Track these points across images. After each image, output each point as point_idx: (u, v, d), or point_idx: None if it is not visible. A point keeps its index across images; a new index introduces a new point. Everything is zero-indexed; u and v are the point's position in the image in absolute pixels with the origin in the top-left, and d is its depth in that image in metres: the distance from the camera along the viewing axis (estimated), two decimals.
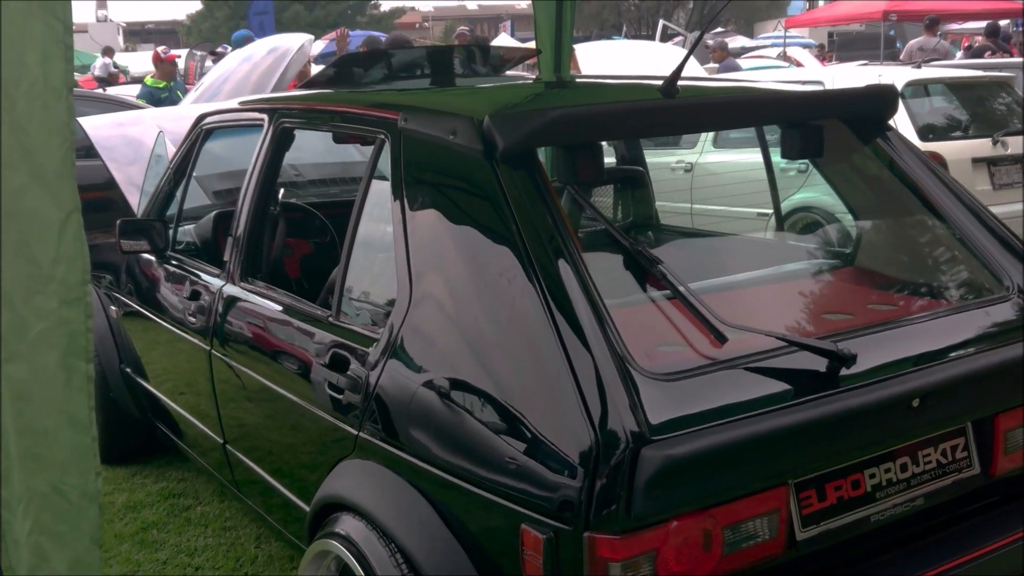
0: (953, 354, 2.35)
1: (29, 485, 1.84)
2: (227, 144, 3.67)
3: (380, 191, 2.59)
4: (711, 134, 7.59)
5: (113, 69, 17.32)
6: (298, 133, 3.15)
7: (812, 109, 2.76)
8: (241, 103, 3.59)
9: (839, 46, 22.57)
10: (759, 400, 2.07)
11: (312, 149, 4.08)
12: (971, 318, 2.49)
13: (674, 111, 2.50)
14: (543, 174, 2.29)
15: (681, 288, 2.24)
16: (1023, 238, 2.76)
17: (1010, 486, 2.52)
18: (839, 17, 19.46)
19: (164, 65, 10.13)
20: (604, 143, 2.77)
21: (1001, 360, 2.39)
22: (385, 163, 2.57)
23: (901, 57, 13.25)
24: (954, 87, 7.03)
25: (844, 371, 2.14)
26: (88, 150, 5.89)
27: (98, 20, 56.71)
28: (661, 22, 20.20)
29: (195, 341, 3.36)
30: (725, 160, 7.35)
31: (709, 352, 2.15)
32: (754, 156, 6.43)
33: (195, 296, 3.39)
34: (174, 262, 3.68)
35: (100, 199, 6.03)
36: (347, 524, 2.36)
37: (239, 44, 9.39)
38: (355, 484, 2.41)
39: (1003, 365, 2.39)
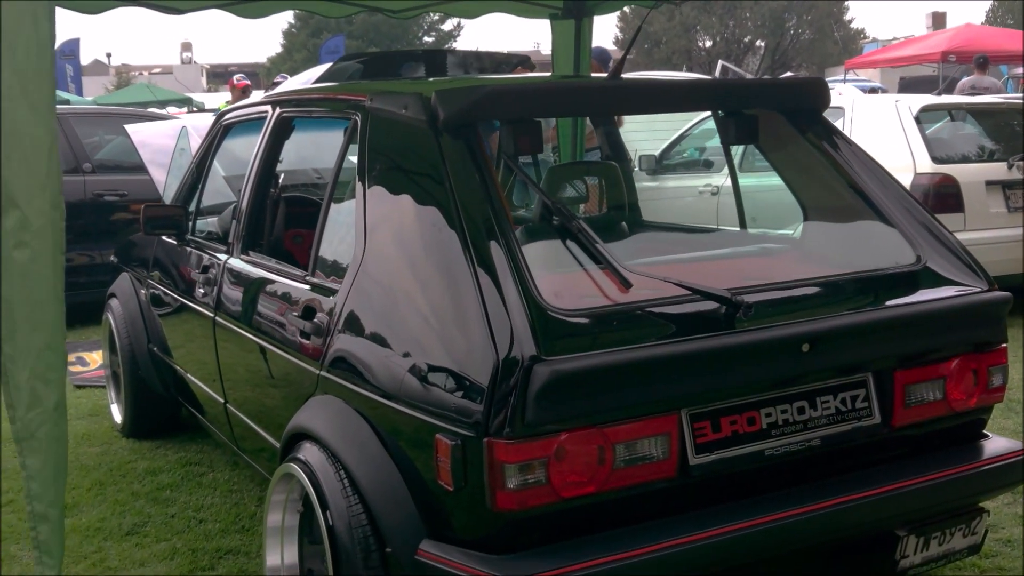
0: (847, 309, 2.59)
1: (29, 342, 2.29)
2: (245, 136, 4.04)
3: (351, 163, 2.93)
4: (736, 160, 7.84)
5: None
6: (296, 121, 3.51)
7: (744, 98, 3.03)
8: (256, 100, 3.97)
9: (903, 87, 22.57)
10: (653, 335, 2.34)
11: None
12: (875, 282, 2.72)
13: (603, 91, 2.80)
14: (480, 144, 2.61)
15: (597, 243, 2.53)
16: None
17: (920, 441, 2.74)
18: (898, 58, 19.53)
19: (236, 91, 11.06)
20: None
21: (895, 318, 2.63)
22: (355, 139, 2.91)
23: (954, 94, 13.33)
24: (972, 112, 7.19)
25: (739, 316, 2.39)
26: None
27: (183, 62, 58.87)
28: (720, 62, 20.43)
29: (203, 311, 3.72)
30: (750, 183, 7.58)
31: (614, 295, 2.43)
32: (777, 180, 6.71)
33: (205, 271, 3.76)
34: (192, 245, 4.07)
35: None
36: (305, 450, 2.67)
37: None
38: (313, 415, 2.73)
39: (898, 323, 2.62)
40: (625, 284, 2.43)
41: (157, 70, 55.86)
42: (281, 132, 3.53)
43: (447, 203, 2.47)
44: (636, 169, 8.60)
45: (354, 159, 2.91)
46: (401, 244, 2.58)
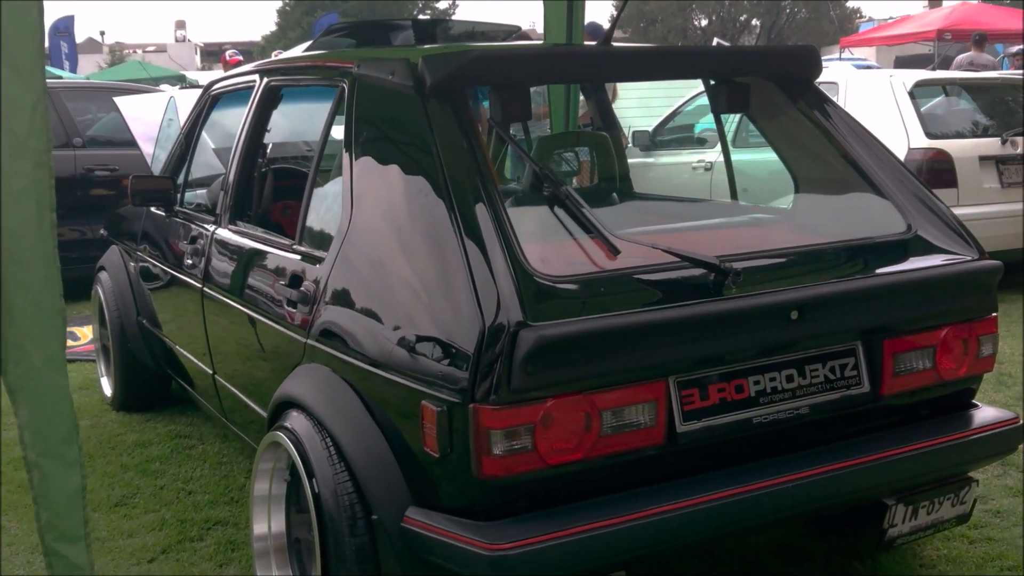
0: (836, 277, 2.57)
1: (13, 301, 2.29)
2: (234, 106, 4.01)
3: (338, 131, 2.90)
4: (730, 136, 7.81)
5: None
6: (284, 90, 3.48)
7: (734, 65, 3.00)
8: (244, 70, 3.94)
9: (899, 66, 22.48)
10: (640, 301, 2.33)
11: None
12: (865, 250, 2.70)
13: (593, 58, 2.77)
14: (468, 110, 2.59)
15: (585, 210, 2.50)
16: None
17: (909, 410, 2.72)
18: (894, 37, 19.46)
19: (229, 67, 11.02)
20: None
21: (885, 286, 2.61)
22: (342, 106, 2.88)
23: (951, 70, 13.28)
24: (966, 88, 7.16)
25: (727, 284, 2.37)
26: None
27: (177, 40, 58.46)
28: (716, 40, 20.34)
29: (191, 283, 3.69)
30: (743, 159, 7.56)
31: (602, 262, 2.42)
32: (771, 155, 6.64)
33: (193, 242, 3.73)
34: (181, 217, 4.04)
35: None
36: (292, 418, 2.65)
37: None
38: (299, 383, 2.71)
39: (887, 291, 2.61)
40: (613, 251, 2.41)
41: (151, 48, 55.48)
42: (269, 101, 3.50)
43: (433, 170, 2.44)
44: (630, 145, 8.57)
45: (339, 127, 2.88)
46: (387, 212, 2.56)
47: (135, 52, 50.76)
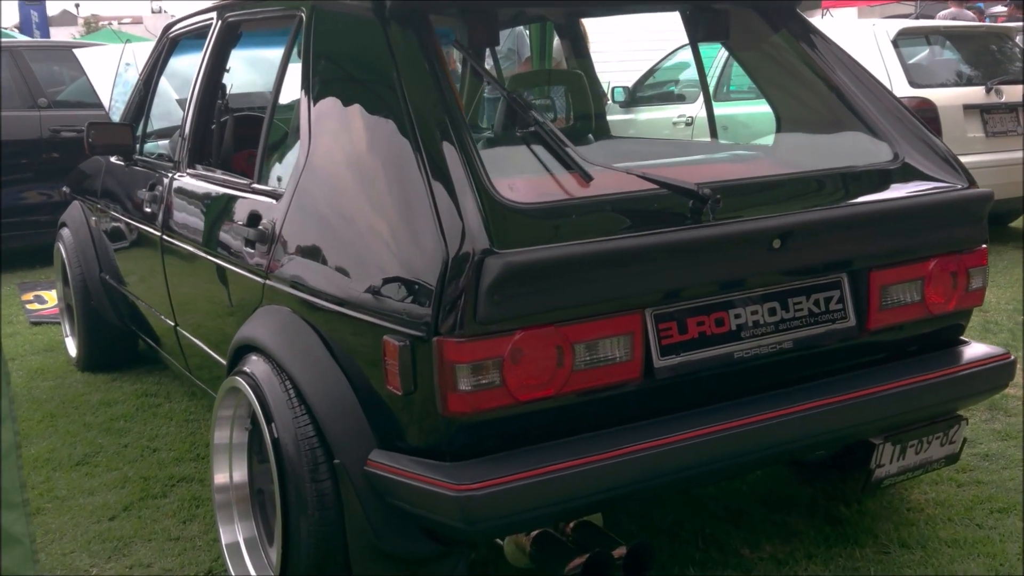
0: (821, 205, 2.45)
1: None
2: (193, 48, 3.84)
3: (296, 65, 2.75)
4: (711, 90, 7.68)
5: None
6: (242, 26, 3.31)
7: None
8: (201, 9, 3.77)
9: None
10: (614, 228, 2.19)
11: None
12: (850, 179, 2.58)
13: None
14: (432, 35, 2.43)
15: (556, 138, 2.36)
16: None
17: (896, 345, 2.61)
18: None
19: None
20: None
21: (871, 214, 2.49)
22: (301, 35, 2.73)
23: None
24: (951, 36, 7.04)
25: (706, 211, 2.25)
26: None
27: (153, 12, 57.78)
28: None
29: (151, 231, 3.55)
30: (724, 113, 7.43)
31: (573, 189, 2.28)
32: (751, 108, 6.44)
33: (152, 190, 3.58)
34: (140, 166, 3.88)
35: None
36: (251, 362, 2.51)
37: None
38: (258, 325, 2.58)
39: (874, 220, 2.48)
40: (586, 178, 2.28)
41: (127, 20, 54.78)
42: (227, 40, 3.34)
43: (395, 97, 2.30)
44: (610, 102, 8.43)
45: (296, 60, 2.73)
46: (346, 143, 2.42)
47: (110, 24, 50.03)
